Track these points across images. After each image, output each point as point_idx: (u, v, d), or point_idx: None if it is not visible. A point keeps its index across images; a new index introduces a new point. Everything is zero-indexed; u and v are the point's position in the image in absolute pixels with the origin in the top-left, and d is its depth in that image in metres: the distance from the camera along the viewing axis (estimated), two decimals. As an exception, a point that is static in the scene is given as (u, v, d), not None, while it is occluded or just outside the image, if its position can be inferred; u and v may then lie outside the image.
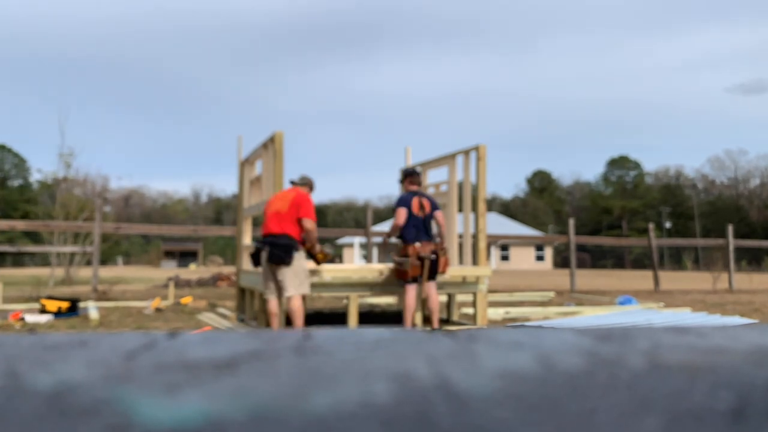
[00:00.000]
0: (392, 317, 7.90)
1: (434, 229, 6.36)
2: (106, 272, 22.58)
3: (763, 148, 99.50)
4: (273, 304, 5.79)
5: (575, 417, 0.29)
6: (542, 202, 71.13)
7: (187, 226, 26.12)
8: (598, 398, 0.30)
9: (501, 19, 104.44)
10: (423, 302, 6.69)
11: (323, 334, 0.37)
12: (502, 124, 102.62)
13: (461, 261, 7.38)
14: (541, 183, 77.09)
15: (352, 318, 6.54)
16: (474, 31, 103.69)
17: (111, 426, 0.27)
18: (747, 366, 0.33)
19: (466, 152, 7.25)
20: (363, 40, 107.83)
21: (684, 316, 7.46)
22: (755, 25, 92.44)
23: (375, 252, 25.62)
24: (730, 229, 16.39)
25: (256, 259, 5.82)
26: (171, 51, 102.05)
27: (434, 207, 6.34)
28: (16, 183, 62.90)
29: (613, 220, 68.59)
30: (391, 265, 6.57)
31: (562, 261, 49.98)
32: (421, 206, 6.24)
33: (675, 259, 43.56)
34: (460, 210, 7.42)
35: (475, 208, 7.04)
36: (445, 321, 7.42)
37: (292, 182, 6.03)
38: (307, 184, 6.00)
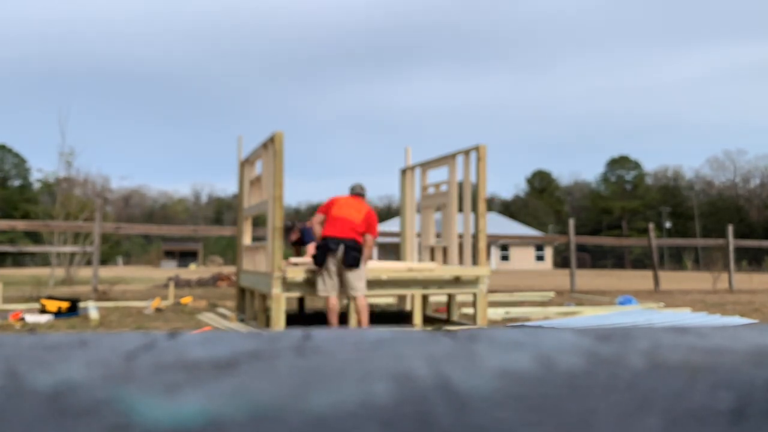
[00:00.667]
0: (392, 317, 7.90)
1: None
2: (106, 272, 22.58)
3: (762, 148, 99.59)
4: (334, 301, 6.21)
5: (575, 417, 0.29)
6: (542, 202, 71.13)
7: (187, 226, 26.13)
8: (598, 398, 0.30)
9: (510, 36, 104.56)
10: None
11: (323, 334, 0.37)
12: (502, 124, 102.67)
13: (461, 261, 7.38)
14: (541, 183, 77.08)
15: (353, 318, 6.54)
16: (476, 44, 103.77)
17: (111, 426, 0.27)
18: (747, 366, 0.33)
19: (466, 152, 7.25)
20: (371, 51, 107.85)
21: (684, 316, 7.46)
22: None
23: (375, 252, 25.62)
24: (730, 229, 16.38)
25: (323, 257, 6.05)
26: (171, 51, 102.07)
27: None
28: (16, 183, 62.89)
29: (613, 220, 68.58)
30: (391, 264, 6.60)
31: (562, 261, 49.98)
32: None
33: (675, 259, 43.58)
34: (461, 210, 7.42)
35: (475, 208, 7.04)
36: (445, 321, 7.42)
37: (359, 193, 6.53)
38: (365, 195, 6.66)
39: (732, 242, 16.31)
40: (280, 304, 6.08)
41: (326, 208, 6.32)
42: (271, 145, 6.46)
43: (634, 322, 6.72)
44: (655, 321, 6.89)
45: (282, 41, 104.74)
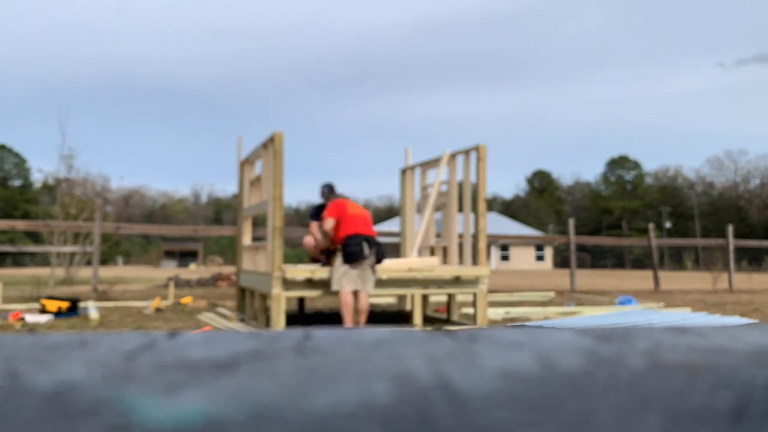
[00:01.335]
0: (392, 317, 7.90)
1: None
2: (106, 272, 22.58)
3: (763, 148, 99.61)
4: (352, 297, 6.21)
5: (575, 417, 0.29)
6: (542, 202, 71.13)
7: (187, 226, 26.12)
8: (598, 398, 0.30)
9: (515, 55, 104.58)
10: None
11: (323, 334, 0.37)
12: (502, 124, 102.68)
13: (461, 261, 7.38)
14: (541, 183, 77.08)
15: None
16: (481, 63, 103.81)
17: (111, 426, 0.27)
18: (747, 366, 0.33)
19: (467, 152, 7.25)
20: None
21: (684, 316, 7.46)
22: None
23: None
24: (730, 229, 16.38)
25: (359, 254, 6.07)
26: (171, 50, 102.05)
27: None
28: (16, 183, 62.90)
29: (613, 220, 68.59)
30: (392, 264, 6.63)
31: (562, 261, 49.98)
32: None
33: (675, 259, 43.58)
34: (461, 210, 7.42)
35: (475, 208, 7.04)
36: (445, 321, 7.42)
37: (343, 196, 6.65)
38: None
39: (732, 242, 16.31)
40: (280, 304, 6.08)
41: (339, 210, 6.32)
42: (271, 145, 6.46)
43: (634, 322, 6.72)
44: (655, 321, 6.89)
45: (281, 40, 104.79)
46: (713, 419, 0.29)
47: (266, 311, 6.73)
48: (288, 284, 6.21)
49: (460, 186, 7.41)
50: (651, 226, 16.30)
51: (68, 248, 15.07)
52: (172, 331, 0.38)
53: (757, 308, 9.22)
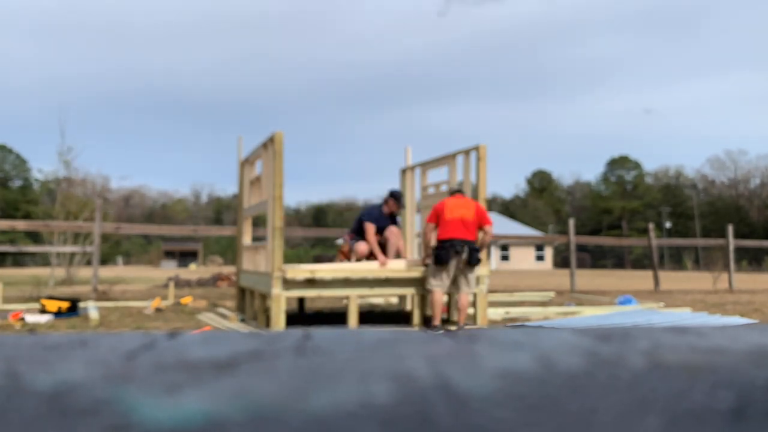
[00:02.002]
0: (392, 317, 7.90)
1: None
2: (106, 272, 22.57)
3: (763, 148, 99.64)
4: (441, 296, 6.59)
5: (575, 417, 0.29)
6: (542, 202, 71.11)
7: (187, 226, 26.13)
8: (598, 398, 0.30)
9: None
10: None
11: (323, 334, 0.37)
12: (502, 123, 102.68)
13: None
14: (541, 183, 77.06)
15: (352, 318, 6.53)
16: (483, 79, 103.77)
17: (111, 426, 0.27)
18: (747, 366, 0.33)
19: (467, 152, 7.25)
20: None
21: (684, 316, 7.46)
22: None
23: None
24: (730, 229, 16.38)
25: (448, 257, 6.36)
26: (171, 50, 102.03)
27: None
28: (17, 183, 62.89)
29: (613, 220, 68.58)
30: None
31: (562, 261, 49.97)
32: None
33: (675, 259, 43.58)
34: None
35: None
36: (445, 321, 7.42)
37: (458, 191, 6.81)
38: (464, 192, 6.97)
39: (732, 242, 16.31)
40: (280, 304, 6.08)
41: (436, 216, 6.54)
42: (270, 145, 6.46)
43: (634, 322, 6.72)
44: (655, 321, 6.89)
45: (281, 40, 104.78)
46: (713, 419, 0.29)
47: (266, 311, 6.73)
48: (288, 284, 6.21)
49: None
50: (651, 226, 16.29)
51: (68, 248, 15.07)
52: (172, 331, 0.38)
53: (757, 308, 9.22)
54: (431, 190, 8.19)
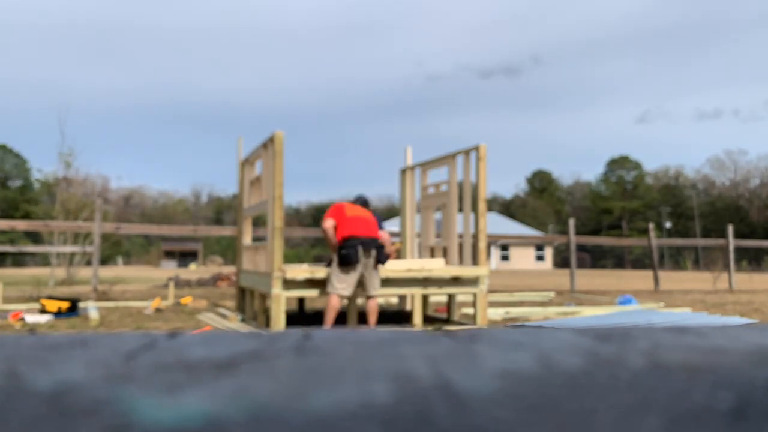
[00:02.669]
0: (392, 317, 7.90)
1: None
2: (106, 272, 22.57)
3: (763, 148, 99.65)
4: (339, 301, 6.14)
5: (575, 417, 0.29)
6: (542, 202, 71.09)
7: (187, 226, 26.11)
8: (598, 398, 0.30)
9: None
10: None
11: (323, 334, 0.37)
12: (502, 124, 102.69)
13: (461, 261, 7.38)
14: (541, 183, 77.04)
15: (352, 318, 6.54)
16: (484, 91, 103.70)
17: (111, 426, 0.27)
18: (747, 366, 0.33)
19: (466, 152, 7.25)
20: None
21: (684, 316, 7.45)
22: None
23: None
24: (730, 229, 16.38)
25: (353, 257, 5.95)
26: (171, 50, 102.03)
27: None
28: (17, 183, 62.87)
29: (613, 220, 68.57)
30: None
31: (562, 261, 49.97)
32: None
33: (675, 259, 43.55)
34: (461, 210, 7.42)
35: (475, 208, 7.04)
36: (445, 321, 7.42)
37: (364, 202, 6.54)
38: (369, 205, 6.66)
39: (732, 242, 16.31)
40: (280, 304, 6.08)
41: (337, 212, 6.22)
42: (270, 145, 6.46)
43: (634, 322, 6.72)
44: (655, 321, 6.89)
45: (281, 40, 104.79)
46: (713, 419, 0.29)
47: (266, 311, 6.73)
48: (288, 284, 6.21)
49: (460, 186, 7.41)
50: (651, 226, 16.30)
51: (68, 248, 15.06)
52: (172, 331, 0.38)
53: (757, 308, 9.22)
54: (431, 190, 8.19)
